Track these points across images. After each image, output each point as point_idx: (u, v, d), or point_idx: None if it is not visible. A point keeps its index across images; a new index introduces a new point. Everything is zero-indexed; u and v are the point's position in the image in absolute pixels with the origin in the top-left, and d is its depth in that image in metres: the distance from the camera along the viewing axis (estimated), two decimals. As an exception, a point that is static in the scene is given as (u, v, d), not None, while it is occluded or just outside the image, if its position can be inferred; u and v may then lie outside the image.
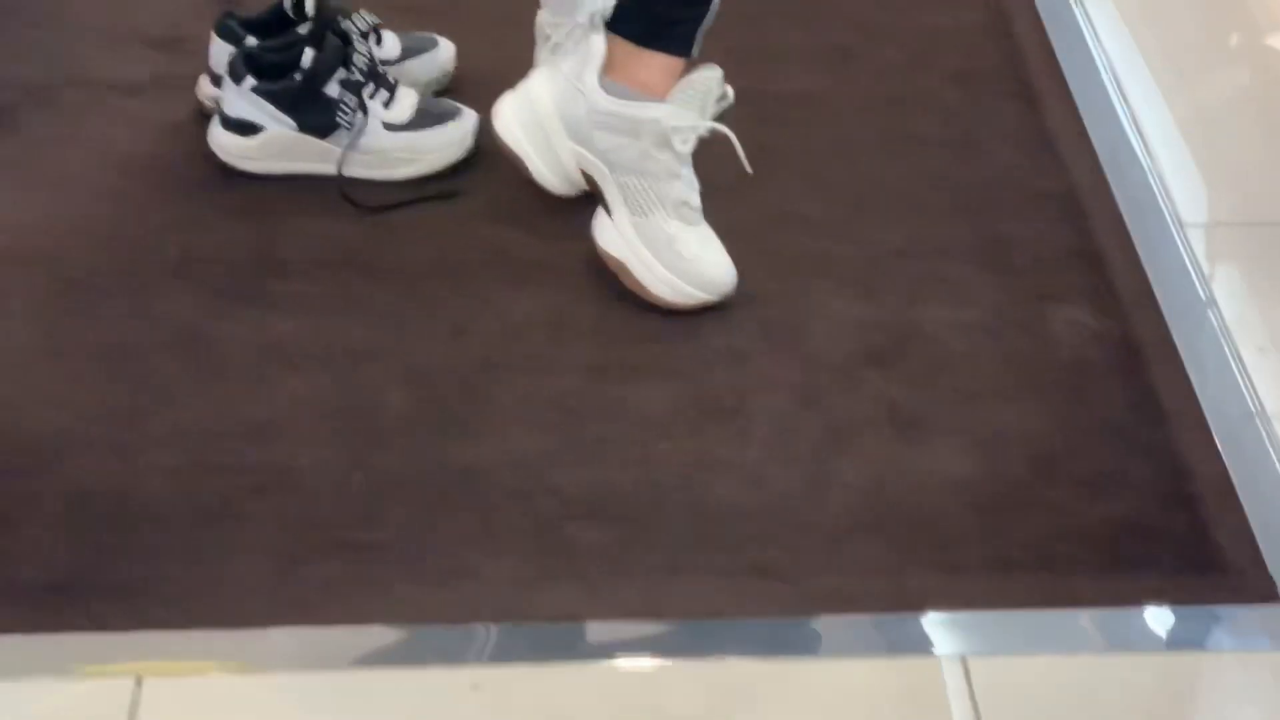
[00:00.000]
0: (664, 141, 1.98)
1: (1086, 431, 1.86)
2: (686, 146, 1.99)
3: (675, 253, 2.00)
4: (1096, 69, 2.42)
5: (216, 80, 2.24)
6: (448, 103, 2.23)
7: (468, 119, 2.20)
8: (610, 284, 2.02)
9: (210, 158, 2.19)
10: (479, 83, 2.31)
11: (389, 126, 2.17)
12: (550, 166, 2.06)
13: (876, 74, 2.41)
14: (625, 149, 2.00)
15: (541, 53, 2.23)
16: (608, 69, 1.99)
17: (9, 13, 2.47)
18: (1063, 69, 2.41)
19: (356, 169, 2.17)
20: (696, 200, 2.02)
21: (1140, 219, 2.16)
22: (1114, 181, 2.22)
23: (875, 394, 1.90)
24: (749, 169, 2.01)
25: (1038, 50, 2.46)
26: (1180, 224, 2.16)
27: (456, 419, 1.86)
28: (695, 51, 2.00)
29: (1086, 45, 2.46)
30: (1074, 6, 2.48)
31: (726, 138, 1.99)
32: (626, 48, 1.98)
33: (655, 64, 1.98)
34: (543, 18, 2.24)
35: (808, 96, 2.36)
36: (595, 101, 2.00)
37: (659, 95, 1.98)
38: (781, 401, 1.89)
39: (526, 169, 2.06)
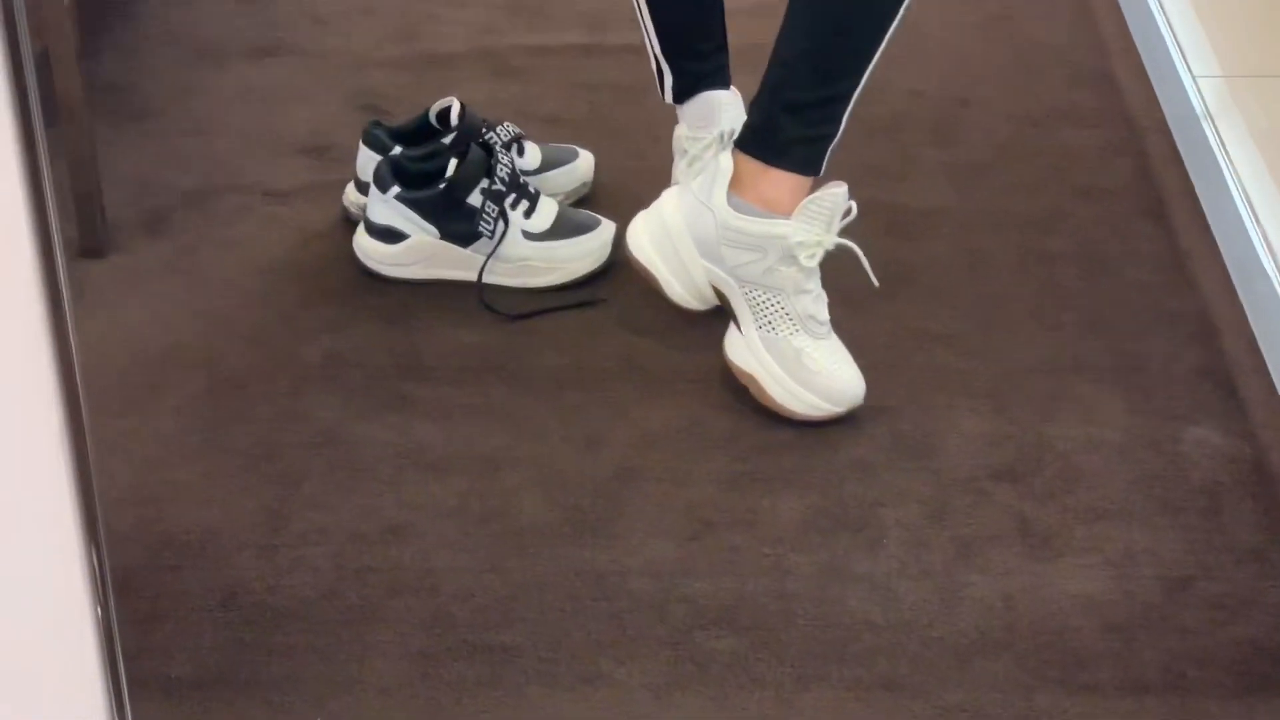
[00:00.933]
0: (790, 257, 2.02)
1: (1218, 553, 1.86)
2: (812, 262, 2.02)
3: (803, 366, 2.03)
4: (1227, 187, 2.44)
5: (363, 187, 2.31)
6: (586, 213, 2.28)
7: (606, 229, 2.26)
8: (743, 395, 2.05)
9: (355, 263, 2.26)
10: (617, 194, 2.37)
11: (529, 235, 2.22)
12: (683, 283, 2.10)
13: (1008, 190, 2.44)
14: (753, 265, 2.04)
15: (679, 166, 2.28)
16: (736, 186, 2.04)
17: (167, 121, 2.57)
18: (1195, 187, 2.43)
19: (497, 277, 2.22)
20: (824, 314, 2.06)
21: (1272, 339, 2.16)
22: (1246, 301, 2.22)
23: (1006, 509, 1.92)
24: (875, 282, 2.04)
25: (1169, 168, 2.48)
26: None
27: (591, 525, 1.90)
28: (822, 170, 2.04)
29: (1218, 164, 2.48)
30: (1205, 125, 2.50)
31: (853, 251, 2.02)
32: (754, 166, 2.02)
33: (783, 182, 2.02)
34: (680, 132, 2.29)
35: (939, 211, 2.39)
36: (723, 219, 2.04)
37: (785, 212, 2.02)
38: (912, 514, 1.91)
39: (659, 285, 2.11)
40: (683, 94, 2.27)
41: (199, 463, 1.98)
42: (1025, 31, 2.80)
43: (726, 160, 2.05)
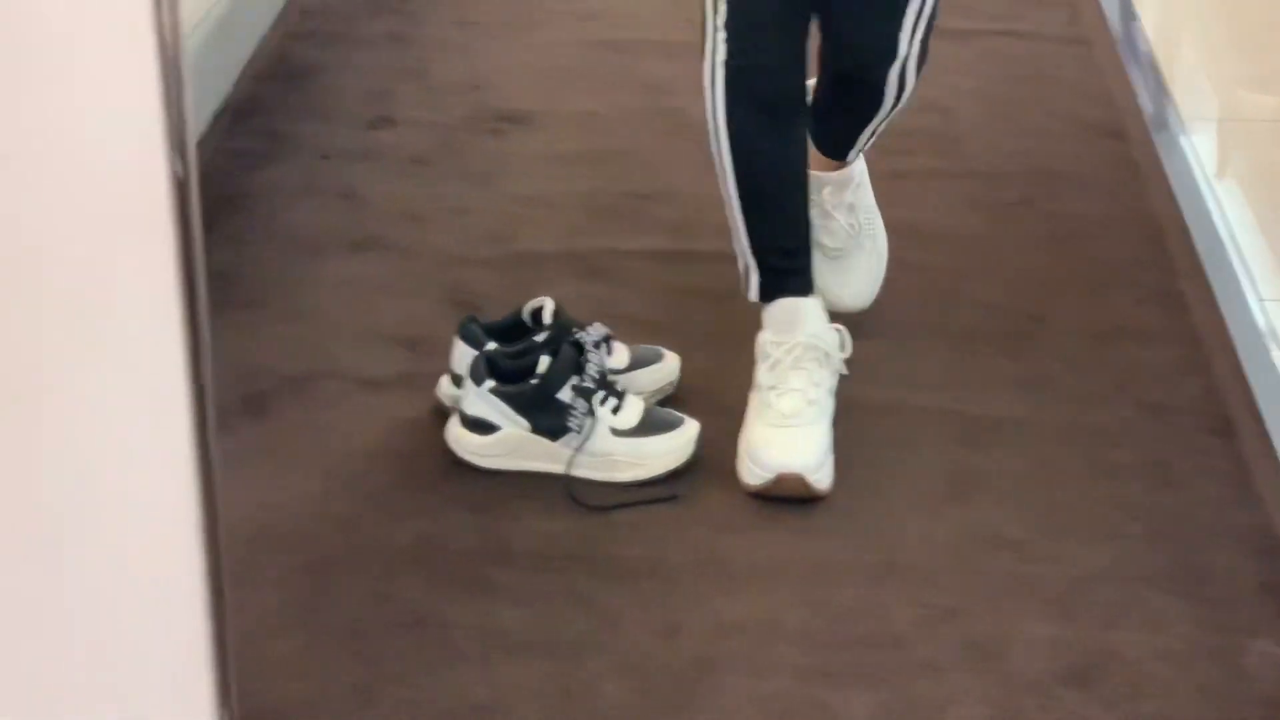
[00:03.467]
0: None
1: (1280, 763, 1.91)
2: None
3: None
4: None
5: (457, 380, 2.41)
6: (671, 412, 2.37)
7: (690, 428, 2.35)
8: (820, 590, 2.12)
9: (447, 452, 2.35)
10: (701, 394, 2.47)
11: (616, 432, 2.32)
12: None
13: (1078, 402, 2.52)
14: None
15: (761, 370, 2.38)
16: None
17: (270, 310, 2.68)
18: (1260, 408, 2.50)
19: (583, 470, 2.31)
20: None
21: (1335, 557, 2.22)
22: (1310, 519, 2.29)
23: (1072, 714, 1.97)
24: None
25: (1235, 386, 2.55)
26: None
27: (669, 712, 1.96)
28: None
29: (1283, 384, 2.56)
30: (1270, 346, 2.58)
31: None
32: None
33: None
34: (764, 338, 2.39)
35: (1010, 421, 2.47)
36: None
37: None
38: (980, 716, 1.97)
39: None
40: (767, 293, 2.38)
41: (292, 639, 2.06)
42: (1095, 249, 2.90)
43: None
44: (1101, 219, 2.99)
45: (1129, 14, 3.72)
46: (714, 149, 2.35)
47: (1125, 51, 3.56)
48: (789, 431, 2.31)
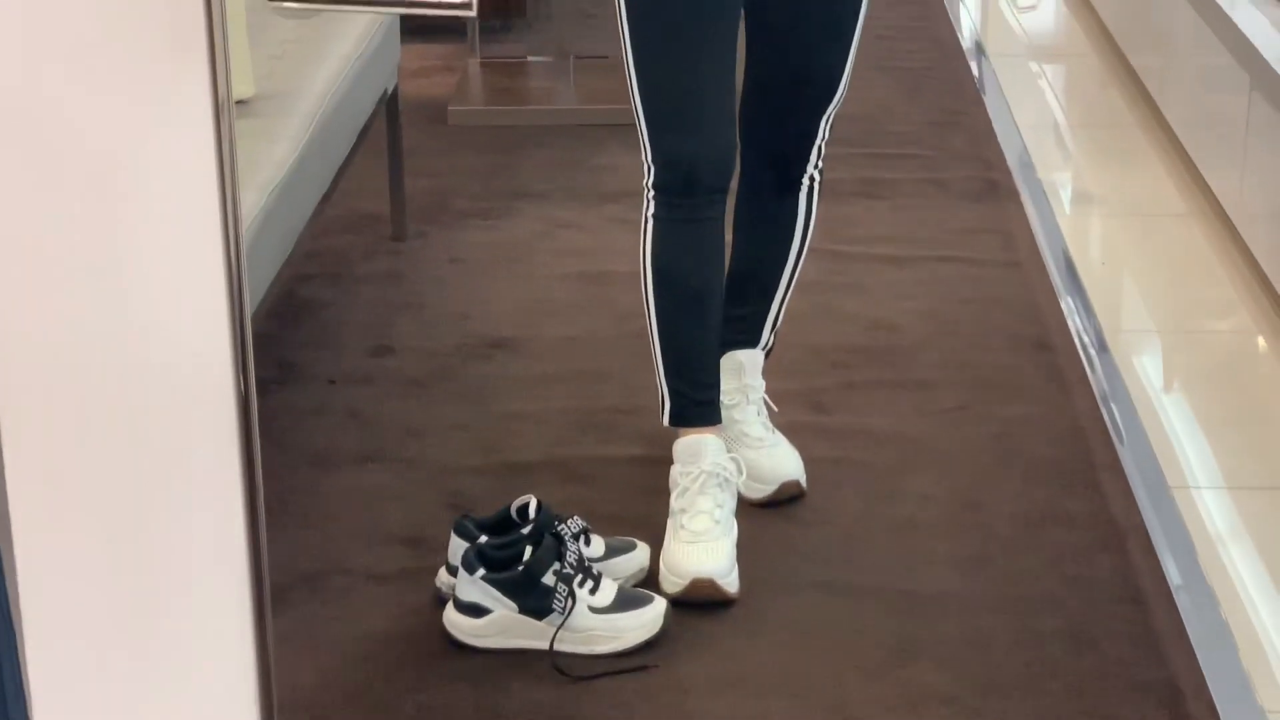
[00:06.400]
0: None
1: None
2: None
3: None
4: (1201, 574, 2.82)
5: (453, 570, 2.72)
6: (643, 591, 2.69)
7: (659, 605, 2.66)
8: (774, 744, 2.41)
9: (445, 634, 2.65)
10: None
11: (594, 609, 2.62)
12: None
13: (1008, 578, 2.83)
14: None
15: (673, 496, 2.84)
16: None
17: (286, 515, 3.00)
18: (1167, 576, 2.81)
19: (566, 645, 2.61)
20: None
21: (1230, 706, 2.52)
22: (1209, 675, 2.58)
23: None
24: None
25: (1145, 559, 2.86)
26: (1265, 713, 2.52)
27: None
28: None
29: (1195, 556, 2.87)
30: (1188, 525, 2.89)
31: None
32: None
33: None
34: (674, 470, 2.85)
35: (946, 595, 2.78)
36: None
37: None
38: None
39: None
40: (676, 419, 2.85)
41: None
42: (1025, 447, 3.23)
43: None
44: (1031, 420, 3.32)
45: (1057, 240, 4.11)
46: (642, 289, 2.88)
47: (1054, 272, 3.93)
48: (699, 546, 2.73)
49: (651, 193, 2.81)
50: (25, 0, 1.38)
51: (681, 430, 2.86)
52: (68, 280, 1.44)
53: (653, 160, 2.79)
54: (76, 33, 1.40)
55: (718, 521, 2.75)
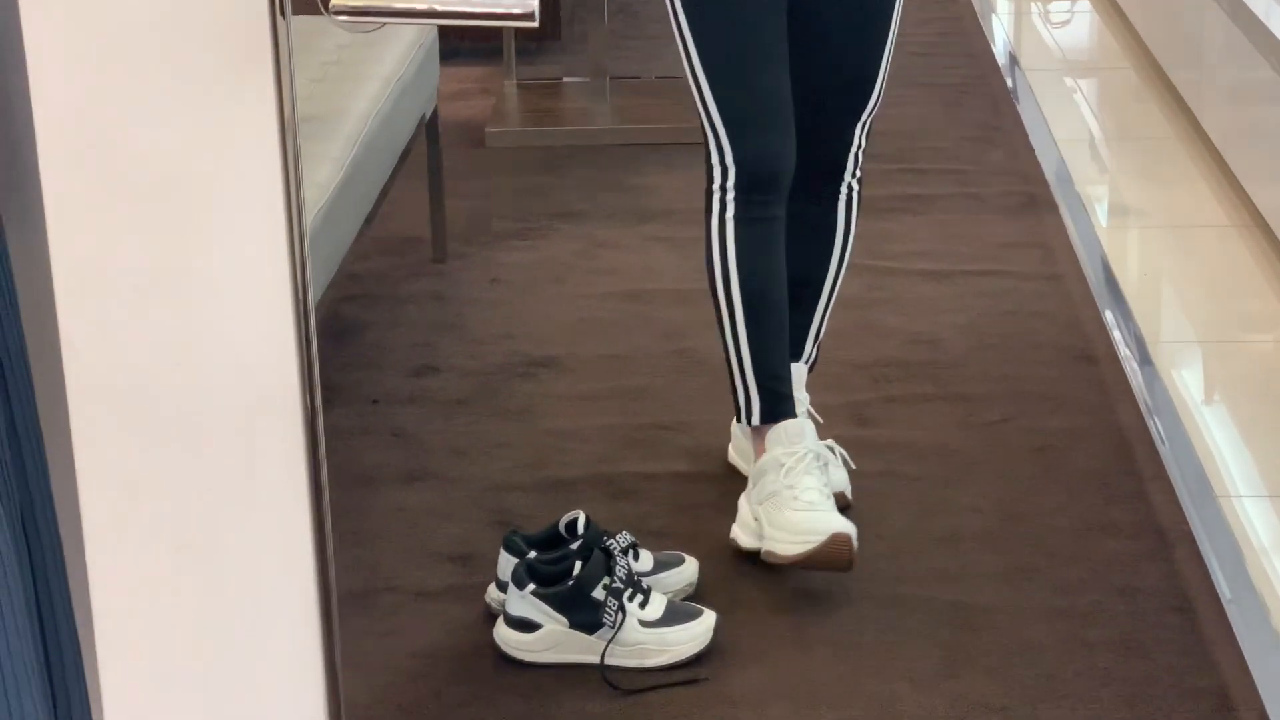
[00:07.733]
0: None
1: None
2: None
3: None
4: (1251, 585, 2.82)
5: (503, 586, 2.74)
6: (691, 604, 2.70)
7: (708, 618, 2.66)
8: (827, 755, 2.42)
9: (497, 650, 2.67)
10: (716, 591, 2.79)
11: (643, 623, 2.63)
12: None
13: (1056, 588, 2.83)
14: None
15: (771, 478, 2.84)
16: None
17: (336, 534, 2.99)
18: (1215, 584, 2.81)
19: (616, 658, 2.62)
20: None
21: (1282, 709, 2.53)
22: (1259, 682, 2.58)
23: None
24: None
25: (1193, 567, 2.86)
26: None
27: None
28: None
29: (1244, 564, 2.87)
30: (1235, 533, 2.90)
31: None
32: None
33: None
34: (774, 453, 2.86)
35: (996, 607, 2.78)
36: None
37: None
38: None
39: None
40: (768, 415, 2.86)
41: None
42: (1069, 458, 3.23)
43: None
44: (1075, 432, 3.32)
45: (1097, 253, 4.11)
46: (720, 293, 2.89)
47: (1094, 284, 3.93)
48: (822, 512, 2.75)
49: (731, 194, 2.85)
50: (96, 25, 1.41)
51: (766, 426, 2.90)
52: (138, 297, 1.46)
53: (734, 160, 2.83)
54: (144, 56, 1.43)
55: (827, 497, 2.79)
